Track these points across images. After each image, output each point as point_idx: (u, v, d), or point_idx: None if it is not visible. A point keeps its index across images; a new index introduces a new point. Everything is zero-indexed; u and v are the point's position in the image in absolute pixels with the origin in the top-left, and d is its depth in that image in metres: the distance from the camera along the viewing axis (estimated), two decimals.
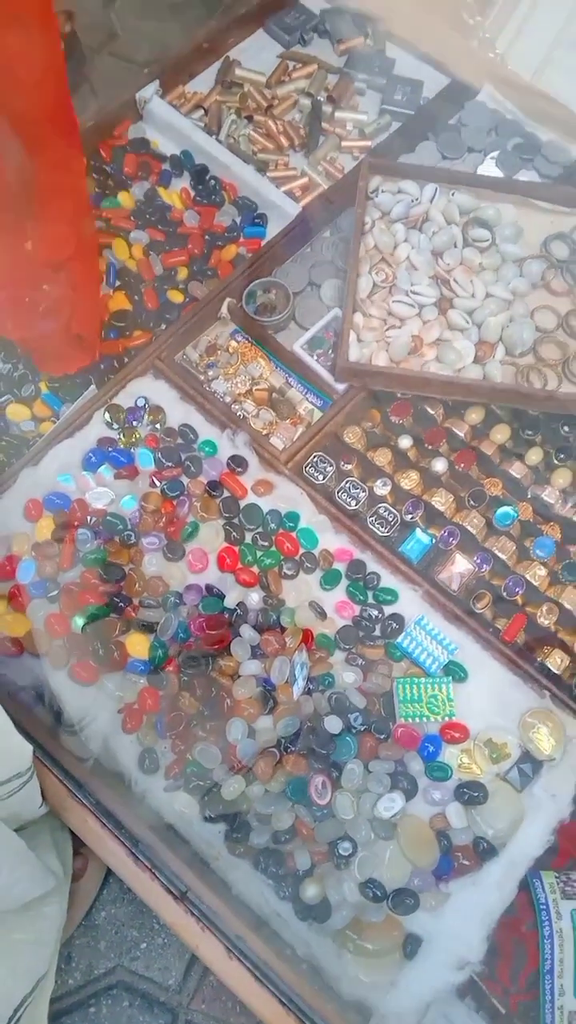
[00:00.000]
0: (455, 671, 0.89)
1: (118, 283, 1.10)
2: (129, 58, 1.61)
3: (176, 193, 1.17)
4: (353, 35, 1.31)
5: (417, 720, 0.87)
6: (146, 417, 0.99)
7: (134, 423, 0.99)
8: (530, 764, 0.85)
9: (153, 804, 0.83)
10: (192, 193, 1.17)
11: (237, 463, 0.98)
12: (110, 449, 0.97)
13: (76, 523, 0.93)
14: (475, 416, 1.03)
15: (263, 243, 1.13)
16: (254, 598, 0.92)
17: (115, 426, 0.99)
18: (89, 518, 0.93)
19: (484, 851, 0.82)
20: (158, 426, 0.99)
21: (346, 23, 1.32)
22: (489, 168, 1.21)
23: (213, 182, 1.18)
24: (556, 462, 1.00)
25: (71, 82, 1.48)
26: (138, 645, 0.88)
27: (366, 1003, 0.78)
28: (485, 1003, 0.81)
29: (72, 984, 0.98)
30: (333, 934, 0.80)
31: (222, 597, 0.92)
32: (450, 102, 1.24)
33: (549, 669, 0.91)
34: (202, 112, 1.24)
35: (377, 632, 0.91)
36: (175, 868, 0.80)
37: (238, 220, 1.16)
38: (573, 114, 1.21)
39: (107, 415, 0.99)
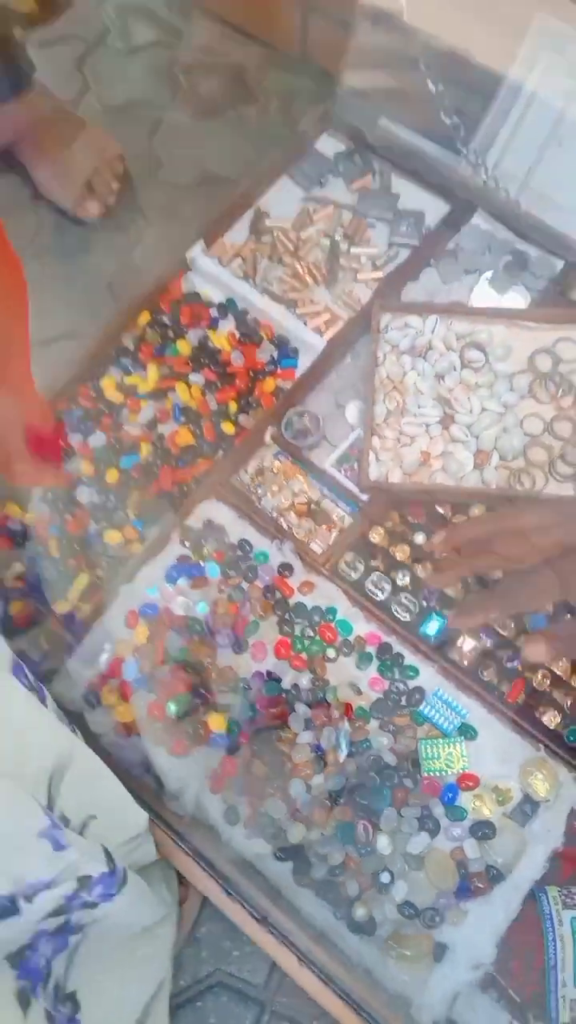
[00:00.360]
0: (467, 731, 1.11)
1: (183, 419, 1.35)
2: (175, 182, 1.85)
3: (224, 336, 1.41)
4: (361, 175, 1.54)
5: (438, 773, 1.08)
6: (212, 536, 1.24)
7: (203, 541, 1.24)
8: (529, 805, 1.06)
9: (237, 848, 1.05)
10: (236, 335, 1.42)
11: (285, 568, 1.21)
12: (185, 564, 1.23)
13: (165, 627, 1.19)
14: (477, 511, 1.24)
15: (296, 373, 1.37)
16: (304, 680, 1.14)
17: (187, 544, 1.24)
18: (173, 623, 1.19)
19: (494, 877, 1.03)
20: (222, 542, 1.25)
21: (356, 164, 1.55)
22: (483, 288, 1.42)
23: (254, 323, 1.42)
24: None
25: (127, 217, 1.74)
26: (217, 723, 1.11)
27: (407, 996, 1.00)
28: (504, 994, 1.03)
29: (183, 985, 1.22)
30: (379, 944, 1.01)
31: (279, 680, 1.15)
32: (449, 228, 1.46)
33: (544, 725, 1.12)
34: (240, 261, 1.49)
35: (403, 702, 1.12)
36: (256, 897, 1.02)
37: (275, 355, 1.40)
38: (553, 229, 1.41)
39: (181, 535, 1.25)
